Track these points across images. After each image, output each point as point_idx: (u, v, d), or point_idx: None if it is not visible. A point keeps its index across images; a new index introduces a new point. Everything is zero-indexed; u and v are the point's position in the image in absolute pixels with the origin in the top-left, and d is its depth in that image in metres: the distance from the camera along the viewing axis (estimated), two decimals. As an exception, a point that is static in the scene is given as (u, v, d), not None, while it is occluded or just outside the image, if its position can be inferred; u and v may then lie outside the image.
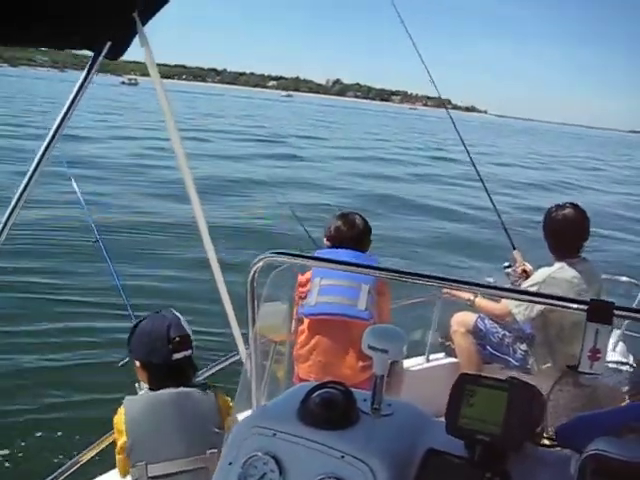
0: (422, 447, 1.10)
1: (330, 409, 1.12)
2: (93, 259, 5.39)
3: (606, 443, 0.95)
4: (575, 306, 1.08)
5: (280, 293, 1.62)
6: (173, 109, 1.96)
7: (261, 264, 1.35)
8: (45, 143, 1.65)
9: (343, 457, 1.05)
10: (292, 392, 1.28)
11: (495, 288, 1.40)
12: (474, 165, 4.56)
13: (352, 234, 2.99)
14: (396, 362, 2.77)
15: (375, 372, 1.18)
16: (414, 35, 4.58)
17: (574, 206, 3.28)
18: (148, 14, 1.71)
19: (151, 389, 2.07)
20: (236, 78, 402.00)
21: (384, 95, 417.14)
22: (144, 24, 1.70)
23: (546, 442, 1.13)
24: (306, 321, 2.90)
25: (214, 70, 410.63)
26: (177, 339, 2.03)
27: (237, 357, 2.40)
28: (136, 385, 2.38)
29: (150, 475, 1.93)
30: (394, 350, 1.16)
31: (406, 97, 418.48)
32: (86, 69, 1.65)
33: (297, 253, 1.35)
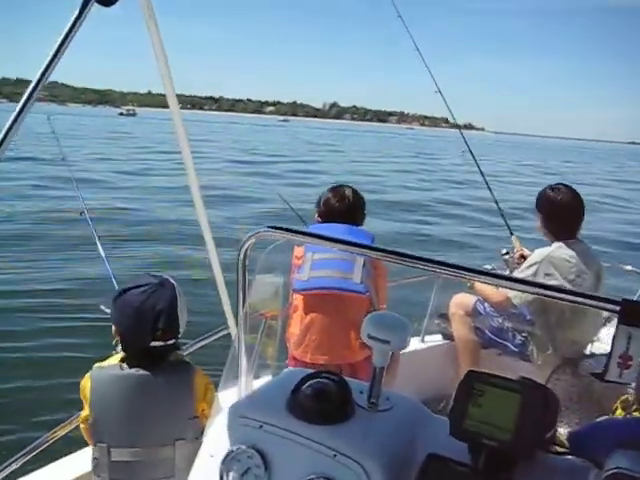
0: (422, 448, 1.00)
1: (322, 401, 1.02)
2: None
3: (628, 461, 0.86)
4: (608, 306, 0.98)
5: (274, 267, 1.55)
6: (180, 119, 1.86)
7: (254, 239, 1.28)
8: (30, 88, 1.50)
9: (335, 456, 0.96)
10: (282, 378, 1.18)
11: (509, 279, 1.31)
12: (468, 147, 4.55)
13: (342, 207, 2.85)
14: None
15: (374, 363, 1.08)
16: (407, 50, 4.56)
17: (568, 187, 3.22)
18: None
19: (122, 360, 1.93)
20: (233, 105, 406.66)
21: (381, 116, 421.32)
22: None
23: (557, 449, 1.02)
24: (299, 297, 2.74)
25: (211, 98, 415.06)
26: (161, 330, 1.87)
27: (227, 332, 2.30)
28: (114, 352, 2.23)
29: (112, 459, 1.84)
30: (397, 341, 1.06)
31: (403, 117, 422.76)
32: (75, 13, 1.48)
33: (291, 228, 1.28)
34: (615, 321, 0.92)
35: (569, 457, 1.01)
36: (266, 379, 1.35)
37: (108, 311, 2.00)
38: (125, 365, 1.90)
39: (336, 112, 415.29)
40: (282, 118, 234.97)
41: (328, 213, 2.88)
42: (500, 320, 3.34)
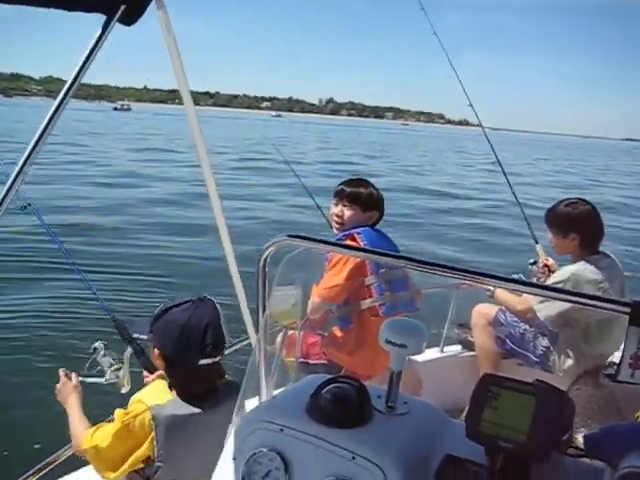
0: (439, 450, 1.02)
1: (342, 406, 1.04)
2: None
3: None
4: (619, 308, 0.98)
5: (294, 276, 1.56)
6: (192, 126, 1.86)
7: (273, 248, 1.28)
8: (55, 104, 1.50)
9: (354, 458, 0.98)
10: (301, 384, 1.20)
11: (529, 285, 1.32)
12: (496, 156, 4.57)
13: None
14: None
15: (392, 368, 1.11)
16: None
17: (584, 200, 3.17)
18: None
19: (169, 386, 1.87)
20: (229, 100, 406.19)
21: (378, 112, 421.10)
22: None
23: (573, 451, 1.04)
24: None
25: (207, 93, 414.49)
26: (211, 346, 1.81)
27: (247, 341, 2.31)
28: (144, 374, 2.21)
29: None
30: (413, 345, 1.09)
31: (399, 113, 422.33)
32: (97, 35, 1.50)
33: (313, 237, 1.27)
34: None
35: (585, 459, 1.03)
36: (286, 386, 1.36)
37: (144, 337, 1.97)
38: (182, 401, 1.83)
39: (332, 108, 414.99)
40: (275, 113, 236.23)
41: (380, 216, 2.99)
42: (522, 330, 3.31)
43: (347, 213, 2.90)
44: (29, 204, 3.20)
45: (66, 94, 1.49)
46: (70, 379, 2.16)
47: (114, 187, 16.18)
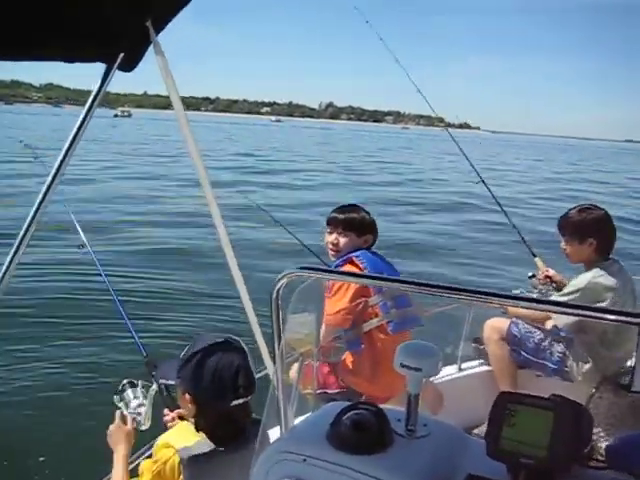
0: (461, 471, 1.02)
1: (361, 432, 1.05)
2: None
3: None
4: (628, 320, 1.02)
5: (307, 304, 1.57)
6: (193, 137, 1.87)
7: (285, 280, 1.30)
8: (59, 160, 1.58)
9: None
10: (321, 412, 1.21)
11: (543, 302, 1.33)
12: (482, 180, 4.57)
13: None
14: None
15: (409, 391, 1.11)
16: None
17: (595, 206, 3.18)
18: (162, 22, 1.64)
19: (200, 429, 1.85)
20: (229, 106, 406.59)
21: (377, 116, 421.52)
22: (158, 33, 1.64)
23: (595, 463, 1.05)
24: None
25: (207, 99, 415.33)
26: (242, 387, 1.80)
27: (265, 372, 2.32)
28: (164, 411, 2.18)
29: None
30: (428, 367, 1.10)
31: (399, 117, 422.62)
32: (99, 83, 1.57)
33: (323, 268, 1.30)
34: None
35: (608, 471, 1.04)
36: (306, 415, 1.37)
37: (172, 382, 1.95)
38: (209, 441, 1.81)
39: (332, 112, 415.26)
40: (275, 118, 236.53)
41: (374, 239, 3.01)
42: (536, 340, 3.30)
43: (342, 240, 2.94)
44: (83, 245, 3.31)
45: (74, 138, 1.59)
46: (126, 423, 2.13)
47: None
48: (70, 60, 1.49)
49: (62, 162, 1.61)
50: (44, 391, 4.96)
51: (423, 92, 4.85)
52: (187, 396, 1.87)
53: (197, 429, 1.87)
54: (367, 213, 3.03)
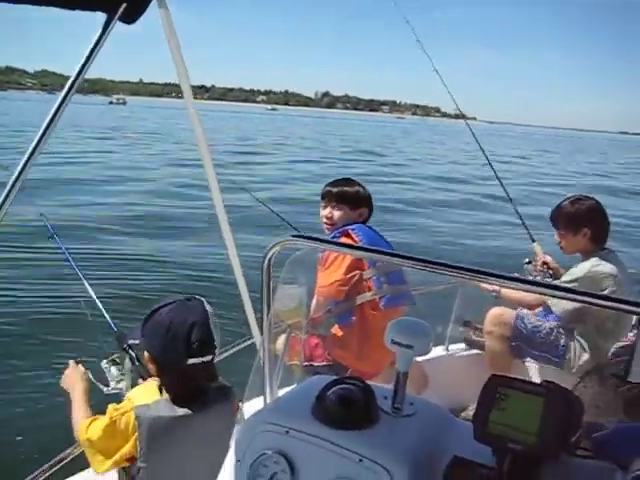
0: (447, 452, 1.01)
1: (347, 407, 1.03)
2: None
3: None
4: (631, 308, 0.99)
5: (298, 275, 1.55)
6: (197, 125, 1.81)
7: (278, 248, 1.28)
8: (56, 105, 1.50)
9: (361, 460, 0.97)
10: (306, 385, 1.19)
11: (546, 286, 1.30)
12: (489, 162, 4.52)
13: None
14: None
15: (398, 368, 1.09)
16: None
17: (588, 197, 3.18)
18: None
19: (160, 390, 1.84)
20: (225, 94, 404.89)
21: (373, 106, 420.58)
22: None
23: (582, 452, 1.04)
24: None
25: (203, 87, 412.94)
26: (197, 344, 1.76)
27: (251, 341, 2.30)
28: (139, 380, 2.16)
29: None
30: (420, 346, 1.08)
31: (395, 106, 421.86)
32: (98, 34, 1.49)
33: (316, 236, 1.27)
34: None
35: (594, 460, 1.02)
36: (291, 387, 1.35)
37: (137, 342, 1.93)
38: (169, 402, 1.78)
39: (328, 101, 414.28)
40: (270, 107, 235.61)
41: (370, 213, 3.00)
42: (543, 335, 3.23)
43: (336, 213, 2.93)
44: (55, 234, 3.15)
45: (69, 91, 1.49)
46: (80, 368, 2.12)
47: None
48: (71, 7, 1.43)
49: (58, 110, 1.52)
50: (23, 386, 4.83)
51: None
52: (147, 354, 1.85)
53: (160, 390, 1.85)
54: (362, 187, 3.01)
